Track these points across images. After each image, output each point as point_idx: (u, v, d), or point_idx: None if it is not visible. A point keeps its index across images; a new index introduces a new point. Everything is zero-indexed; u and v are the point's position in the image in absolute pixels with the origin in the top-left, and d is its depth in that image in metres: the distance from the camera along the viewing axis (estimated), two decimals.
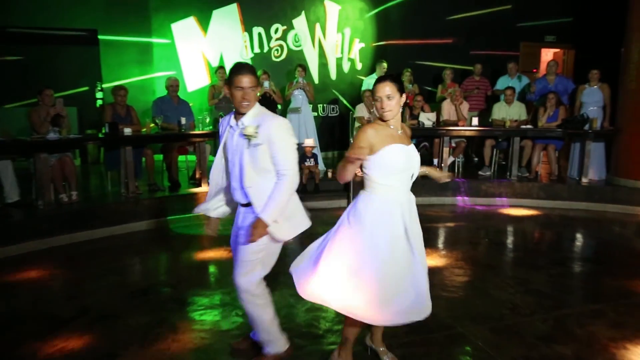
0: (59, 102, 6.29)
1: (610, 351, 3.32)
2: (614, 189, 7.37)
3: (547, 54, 11.64)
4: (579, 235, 6.31)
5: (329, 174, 7.87)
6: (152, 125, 6.84)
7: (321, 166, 8.08)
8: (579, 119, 7.56)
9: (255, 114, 2.83)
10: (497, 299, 4.16)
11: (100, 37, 9.13)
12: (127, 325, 3.66)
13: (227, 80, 2.83)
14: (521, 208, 7.38)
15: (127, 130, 6.37)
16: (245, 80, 2.73)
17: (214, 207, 3.14)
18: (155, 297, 4.19)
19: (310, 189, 7.39)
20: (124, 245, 5.61)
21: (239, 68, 2.78)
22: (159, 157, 7.30)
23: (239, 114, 2.84)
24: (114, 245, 5.58)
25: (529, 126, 7.92)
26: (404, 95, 2.71)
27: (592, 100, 7.77)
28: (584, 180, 7.66)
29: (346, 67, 10.43)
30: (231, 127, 2.88)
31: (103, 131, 6.47)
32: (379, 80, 2.70)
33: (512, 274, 4.82)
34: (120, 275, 4.71)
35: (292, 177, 2.78)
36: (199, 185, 7.00)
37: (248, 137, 2.75)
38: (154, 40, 9.38)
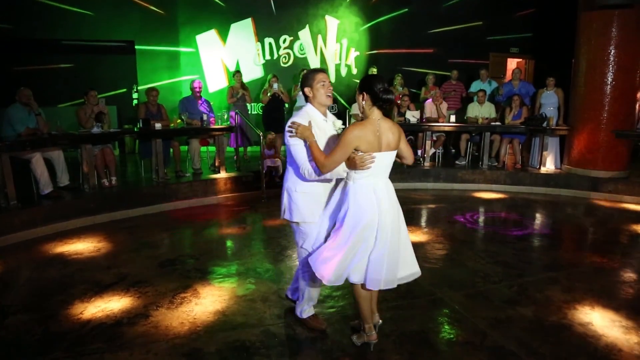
0: (101, 102, 6.22)
1: (563, 311, 3.31)
2: (567, 177, 7.30)
3: (512, 63, 11.50)
4: (538, 215, 6.26)
5: None
6: (178, 121, 6.76)
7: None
8: (539, 117, 7.49)
9: None
10: (471, 269, 4.12)
11: (136, 47, 9.00)
12: (157, 290, 3.62)
13: (305, 83, 2.70)
14: (491, 192, 7.31)
15: (158, 125, 6.32)
16: (326, 76, 2.71)
17: None
18: (181, 266, 4.14)
19: None
20: (155, 222, 5.55)
21: (318, 69, 2.74)
22: (184, 148, 7.22)
23: (319, 109, 2.73)
24: (146, 223, 5.53)
25: (497, 123, 7.85)
26: (363, 94, 2.53)
27: (549, 102, 7.69)
28: (543, 169, 7.60)
29: (344, 71, 10.29)
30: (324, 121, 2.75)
31: (138, 126, 6.38)
32: None
33: (483, 247, 4.77)
34: (151, 248, 4.66)
35: None
36: (218, 172, 6.92)
37: (338, 130, 2.71)
38: (181, 49, 9.25)
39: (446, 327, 3.10)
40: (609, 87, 6.82)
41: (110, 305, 3.37)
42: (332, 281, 2.57)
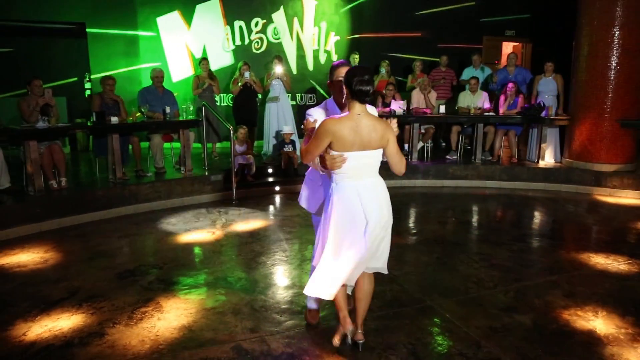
0: (47, 92, 6.07)
1: (564, 318, 3.36)
2: (568, 171, 7.45)
3: (508, 47, 11.66)
4: (537, 214, 6.36)
5: None
6: (138, 114, 6.67)
7: (299, 152, 7.95)
8: (536, 106, 7.60)
9: None
10: (463, 273, 4.15)
11: (88, 30, 8.83)
12: (114, 305, 3.55)
13: (329, 77, 2.92)
14: (485, 189, 7.40)
15: (114, 119, 6.22)
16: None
17: None
18: (142, 278, 4.08)
19: (289, 173, 7.29)
20: (112, 229, 5.46)
21: (341, 62, 2.91)
22: (145, 144, 7.12)
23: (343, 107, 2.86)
24: (102, 229, 5.43)
25: (491, 113, 7.94)
26: (344, 88, 2.66)
27: (547, 89, 7.84)
28: (541, 162, 7.73)
29: (323, 58, 10.29)
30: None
31: (91, 120, 6.27)
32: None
33: (477, 250, 4.83)
34: (108, 257, 4.58)
35: None
36: (184, 171, 6.83)
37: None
38: (140, 33, 9.12)
39: (437, 337, 3.12)
40: (613, 72, 6.96)
41: (59, 323, 3.29)
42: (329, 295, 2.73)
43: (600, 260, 4.46)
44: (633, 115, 7.04)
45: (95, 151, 6.87)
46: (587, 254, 4.64)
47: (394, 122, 2.75)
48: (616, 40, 6.86)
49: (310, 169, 3.06)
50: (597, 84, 7.08)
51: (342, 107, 2.84)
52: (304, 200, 3.11)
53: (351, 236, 2.62)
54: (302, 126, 2.85)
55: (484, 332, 3.15)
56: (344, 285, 2.83)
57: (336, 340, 2.94)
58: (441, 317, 3.37)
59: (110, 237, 5.17)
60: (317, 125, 2.67)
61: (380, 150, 2.65)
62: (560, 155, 7.89)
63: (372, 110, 2.91)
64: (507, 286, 3.89)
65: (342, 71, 2.79)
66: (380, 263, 2.78)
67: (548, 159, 7.85)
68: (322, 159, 2.63)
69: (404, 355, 2.89)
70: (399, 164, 2.71)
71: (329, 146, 2.58)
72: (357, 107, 2.59)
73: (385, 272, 2.83)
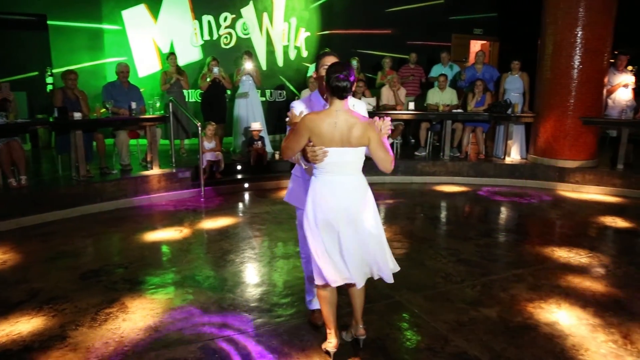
0: (4, 87, 5.88)
1: (529, 311, 3.44)
2: (533, 167, 7.62)
3: (475, 45, 11.86)
4: (503, 209, 6.49)
5: (276, 156, 7.73)
6: (102, 110, 6.50)
7: (269, 148, 7.92)
8: (503, 104, 7.76)
9: None
10: (431, 268, 4.21)
11: (49, 22, 8.56)
12: (77, 306, 3.46)
13: (316, 67, 2.89)
14: (453, 185, 7.52)
15: (77, 115, 6.04)
16: (332, 60, 2.75)
17: None
18: (107, 278, 3.98)
19: (258, 169, 7.25)
20: (75, 228, 5.31)
21: (326, 52, 2.91)
22: (110, 141, 6.96)
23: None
24: (64, 229, 5.28)
25: (459, 110, 8.06)
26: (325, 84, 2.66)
27: (514, 87, 7.99)
28: (507, 159, 7.89)
29: (292, 54, 10.26)
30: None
31: (53, 116, 6.08)
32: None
33: (444, 245, 4.89)
34: (71, 257, 4.46)
35: None
36: (151, 168, 6.72)
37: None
38: (105, 26, 8.89)
39: (405, 332, 3.15)
40: (575, 70, 7.14)
41: (17, 327, 3.18)
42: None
43: (563, 254, 4.58)
44: (595, 113, 7.26)
45: (58, 148, 6.67)
46: (551, 248, 4.76)
47: (387, 120, 2.69)
48: (579, 40, 7.05)
49: (295, 165, 3.04)
50: (560, 82, 7.26)
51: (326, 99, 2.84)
52: (290, 195, 3.12)
53: (328, 234, 2.62)
54: (287, 119, 2.79)
55: (452, 326, 3.20)
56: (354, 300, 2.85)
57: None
58: (410, 312, 3.41)
59: (73, 236, 5.04)
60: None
61: (362, 149, 2.62)
62: (526, 152, 8.07)
63: (361, 105, 2.92)
64: (474, 280, 3.95)
65: (327, 60, 2.78)
66: (379, 271, 2.76)
67: (514, 155, 8.02)
68: (304, 151, 2.60)
69: (372, 350, 2.91)
70: (382, 161, 2.67)
71: (309, 142, 2.56)
72: (337, 103, 2.56)
73: (390, 280, 2.80)
